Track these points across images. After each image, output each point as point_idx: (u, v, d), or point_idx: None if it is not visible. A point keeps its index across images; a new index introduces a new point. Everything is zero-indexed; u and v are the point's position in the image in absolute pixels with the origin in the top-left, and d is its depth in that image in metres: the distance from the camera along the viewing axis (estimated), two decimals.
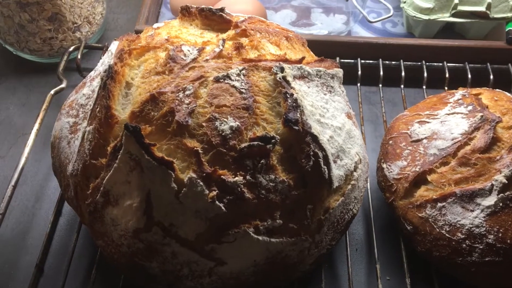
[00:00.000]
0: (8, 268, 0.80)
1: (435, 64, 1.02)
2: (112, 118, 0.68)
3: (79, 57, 1.01)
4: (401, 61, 1.02)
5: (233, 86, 0.68)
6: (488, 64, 1.01)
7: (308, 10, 1.13)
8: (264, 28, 0.79)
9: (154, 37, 0.76)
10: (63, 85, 0.97)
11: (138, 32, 0.99)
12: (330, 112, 0.72)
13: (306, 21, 1.12)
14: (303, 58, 0.74)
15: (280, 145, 0.66)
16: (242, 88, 0.68)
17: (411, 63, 1.02)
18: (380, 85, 1.00)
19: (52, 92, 0.94)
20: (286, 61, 0.72)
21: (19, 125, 1.00)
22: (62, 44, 1.03)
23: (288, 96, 0.67)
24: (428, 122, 0.80)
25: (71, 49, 1.02)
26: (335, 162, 0.69)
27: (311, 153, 0.65)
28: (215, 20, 0.78)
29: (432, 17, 1.03)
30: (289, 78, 0.69)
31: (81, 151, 0.69)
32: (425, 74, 1.00)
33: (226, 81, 0.68)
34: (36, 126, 0.89)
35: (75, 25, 1.02)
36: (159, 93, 0.67)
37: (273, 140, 0.64)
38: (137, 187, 0.64)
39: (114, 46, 0.78)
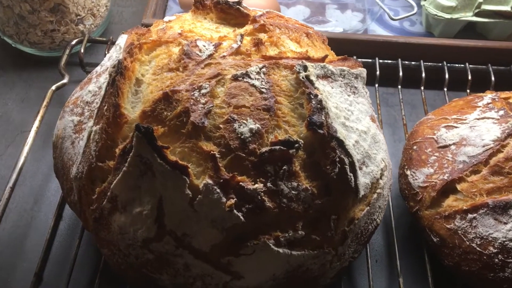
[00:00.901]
0: (5, 276, 0.75)
1: (457, 65, 0.97)
2: (121, 118, 0.62)
3: (82, 51, 0.96)
4: (421, 61, 0.97)
5: (253, 85, 0.63)
6: None
7: (322, 6, 1.08)
8: (283, 23, 0.73)
9: (166, 31, 0.71)
10: (65, 81, 0.92)
11: (145, 26, 0.94)
12: (355, 115, 0.67)
13: (320, 18, 1.07)
14: (326, 56, 0.69)
15: (303, 149, 0.61)
16: (262, 88, 0.63)
17: (431, 63, 0.97)
18: (399, 87, 0.95)
19: (53, 87, 0.89)
20: (308, 59, 0.67)
21: (17, 122, 0.94)
22: (64, 37, 0.98)
23: (312, 97, 0.62)
24: (456, 127, 0.75)
25: (73, 42, 0.97)
26: (360, 169, 0.64)
27: (337, 159, 0.61)
28: (231, 13, 0.73)
29: (454, 16, 0.98)
30: (313, 78, 0.64)
31: (86, 152, 0.64)
32: (447, 76, 0.95)
33: (245, 80, 0.63)
34: (36, 123, 0.84)
35: (78, 17, 0.96)
36: (172, 91, 0.62)
37: (296, 145, 0.59)
38: (147, 193, 0.59)
39: (122, 40, 0.72)
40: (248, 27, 0.71)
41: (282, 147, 0.59)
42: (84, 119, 0.67)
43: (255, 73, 0.63)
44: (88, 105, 0.67)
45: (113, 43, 0.98)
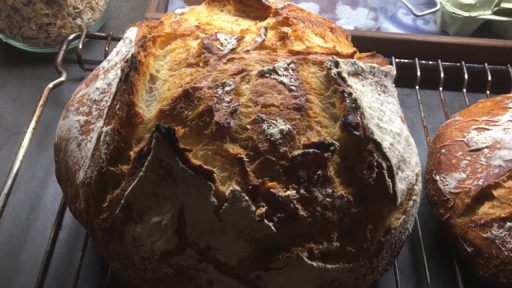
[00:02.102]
0: None
1: (475, 65, 0.93)
2: (135, 117, 0.56)
3: (80, 46, 0.89)
4: (439, 61, 0.92)
5: (281, 82, 0.57)
6: None
7: (332, 2, 1.03)
8: (306, 17, 0.68)
9: (181, 23, 0.65)
10: (62, 78, 0.85)
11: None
12: (387, 116, 0.62)
13: (330, 15, 1.02)
14: (355, 52, 0.64)
15: (337, 153, 0.55)
16: (291, 85, 0.57)
17: (449, 63, 0.93)
18: (417, 87, 0.91)
19: (50, 85, 0.82)
20: (337, 55, 0.62)
21: (10, 123, 0.87)
22: (60, 31, 0.91)
23: (346, 95, 0.57)
24: (488, 129, 0.70)
25: (71, 37, 0.90)
26: (396, 174, 0.59)
27: (374, 163, 0.55)
28: (251, 5, 0.68)
29: (473, 14, 0.94)
30: (344, 75, 0.59)
31: (95, 155, 0.58)
32: (466, 76, 0.91)
33: (272, 76, 0.58)
34: (32, 124, 0.77)
35: (76, 10, 0.90)
36: (193, 89, 0.56)
37: (332, 147, 0.54)
38: (167, 200, 0.53)
39: (131, 33, 0.66)
40: (271, 20, 0.66)
41: (316, 150, 0.53)
42: (91, 119, 0.61)
43: (282, 69, 0.58)
44: (96, 104, 0.61)
45: (113, 39, 0.91)
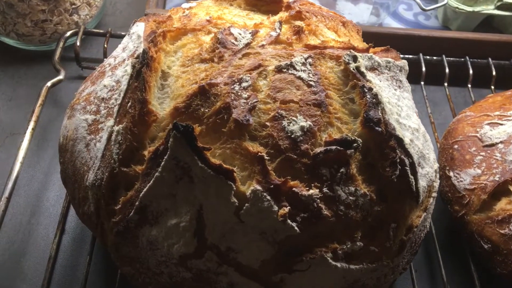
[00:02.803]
0: None
1: (479, 60, 0.92)
2: (149, 115, 0.54)
3: (78, 44, 0.86)
4: (443, 56, 0.91)
5: (299, 78, 0.55)
6: None
7: None
8: (318, 11, 0.67)
9: (190, 17, 0.63)
10: (60, 77, 0.82)
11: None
12: (404, 111, 0.61)
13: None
14: (370, 46, 0.63)
15: (358, 150, 0.54)
16: (310, 80, 0.55)
17: (453, 58, 0.92)
18: (422, 83, 0.90)
19: (49, 84, 0.79)
20: (353, 49, 0.61)
21: (5, 123, 0.84)
22: (56, 28, 0.88)
23: (366, 90, 0.55)
24: (501, 124, 0.70)
25: (68, 34, 0.87)
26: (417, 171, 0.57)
27: (397, 160, 0.54)
28: None
29: (476, 9, 0.94)
30: (363, 69, 0.57)
31: (106, 156, 0.55)
32: (471, 71, 0.90)
33: (290, 71, 0.56)
34: (32, 124, 0.74)
35: (73, 6, 0.87)
36: (210, 85, 0.54)
37: (354, 144, 0.52)
38: (185, 202, 0.51)
39: (138, 28, 0.64)
40: (283, 14, 0.64)
41: (338, 147, 0.52)
42: (100, 117, 0.58)
43: (300, 64, 0.56)
44: (105, 102, 0.59)
45: (112, 35, 0.89)
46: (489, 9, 0.94)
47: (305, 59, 0.57)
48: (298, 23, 0.63)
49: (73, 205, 0.62)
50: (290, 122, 0.52)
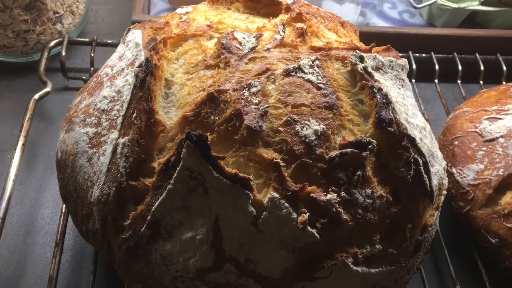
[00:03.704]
0: None
1: (466, 56, 0.93)
2: (156, 126, 0.52)
3: (64, 53, 0.83)
4: (432, 53, 0.92)
5: (308, 81, 0.54)
6: None
7: None
8: (316, 12, 0.66)
9: (190, 23, 0.61)
10: (48, 89, 0.79)
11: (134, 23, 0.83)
12: (410, 110, 0.60)
13: None
14: (373, 46, 0.62)
15: (373, 151, 0.53)
16: (319, 83, 0.54)
17: (442, 55, 0.93)
18: (413, 80, 0.90)
19: (36, 97, 0.76)
20: (357, 50, 0.60)
21: None
22: (39, 38, 0.84)
23: (376, 90, 0.55)
24: (500, 119, 0.70)
25: (52, 44, 0.84)
26: None
27: (411, 159, 0.54)
28: (261, 2, 0.64)
29: (462, 5, 0.95)
30: (370, 70, 0.57)
31: (112, 170, 0.53)
32: (460, 67, 0.91)
33: (298, 75, 0.55)
34: (21, 140, 0.71)
35: (56, 15, 0.83)
36: (218, 92, 0.52)
37: (370, 146, 0.51)
38: (200, 214, 0.49)
39: (134, 36, 0.61)
40: (284, 17, 0.63)
41: (354, 150, 0.51)
42: (102, 130, 0.56)
43: (308, 67, 0.55)
44: (106, 114, 0.56)
45: (98, 44, 0.86)
46: (474, 5, 0.96)
47: (313, 62, 0.56)
48: (299, 25, 0.62)
49: (75, 222, 0.60)
50: (303, 126, 0.51)
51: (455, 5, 0.95)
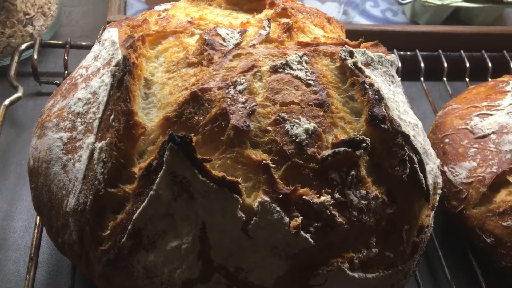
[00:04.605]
0: None
1: (451, 53, 0.92)
2: (136, 128, 0.49)
3: (35, 57, 0.79)
4: (417, 51, 0.90)
5: (297, 77, 0.52)
6: (505, 51, 0.93)
7: None
8: (302, 7, 0.63)
9: (169, 20, 0.58)
10: (19, 94, 0.74)
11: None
12: (402, 107, 0.58)
13: None
14: (361, 41, 0.60)
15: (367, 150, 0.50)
16: (308, 79, 0.52)
17: (427, 53, 0.91)
18: (399, 78, 0.88)
19: (6, 102, 0.72)
20: (346, 45, 0.57)
21: None
22: (9, 41, 0.80)
23: (367, 86, 0.52)
24: (491, 115, 0.68)
25: (23, 47, 0.80)
26: None
27: (406, 157, 0.51)
28: None
29: (445, 2, 0.93)
30: (360, 65, 0.54)
31: (89, 176, 0.49)
32: (445, 65, 0.90)
33: (286, 71, 0.52)
34: None
35: (27, 17, 0.79)
36: (202, 90, 0.49)
37: (363, 144, 0.49)
38: (185, 221, 0.46)
39: (111, 34, 0.58)
40: (268, 12, 0.60)
41: (347, 149, 0.48)
42: (77, 134, 0.52)
43: (296, 63, 0.52)
44: (81, 117, 0.52)
45: (72, 46, 0.82)
46: (458, 1, 0.94)
47: (301, 57, 0.53)
48: (284, 20, 0.59)
49: (50, 234, 0.55)
50: (293, 125, 0.48)
51: (438, 2, 0.93)
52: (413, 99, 0.92)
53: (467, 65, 0.90)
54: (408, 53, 0.91)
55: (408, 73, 0.91)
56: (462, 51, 0.92)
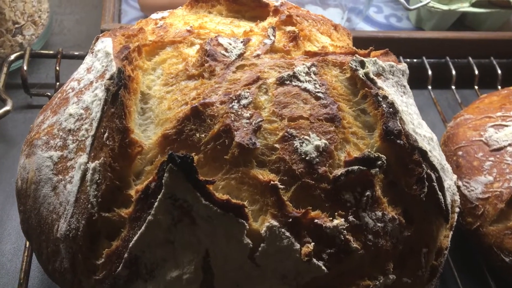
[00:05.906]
0: None
1: (459, 60, 0.89)
2: (132, 147, 0.45)
3: (25, 68, 0.75)
4: (424, 58, 0.87)
5: (305, 90, 0.48)
6: None
7: (300, 3, 0.95)
8: (307, 14, 0.60)
9: (167, 29, 0.54)
10: (7, 107, 0.70)
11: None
12: (416, 119, 0.55)
13: None
14: (371, 50, 0.56)
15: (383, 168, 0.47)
16: (318, 92, 0.48)
17: (434, 60, 0.88)
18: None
19: None
20: (356, 54, 0.54)
21: None
22: None
23: (381, 99, 0.49)
24: (506, 126, 0.65)
25: (12, 57, 0.76)
26: None
27: (424, 175, 0.47)
28: (246, 4, 0.58)
29: (452, 7, 0.90)
30: (372, 76, 0.51)
31: (81, 199, 0.45)
32: (454, 72, 0.86)
33: (294, 83, 0.48)
34: None
35: (16, 26, 0.75)
36: (203, 105, 0.45)
37: (379, 162, 0.45)
38: (186, 248, 0.42)
39: (105, 44, 0.54)
40: (272, 20, 0.56)
41: (361, 167, 0.44)
42: (68, 153, 0.48)
43: (304, 74, 0.49)
44: (73, 134, 0.49)
45: (64, 56, 0.78)
46: (464, 6, 0.91)
47: (309, 68, 0.49)
48: (290, 28, 0.55)
49: (40, 260, 0.51)
50: (303, 142, 0.45)
51: (445, 7, 0.90)
52: (420, 108, 0.87)
53: (476, 72, 0.87)
54: (415, 60, 0.88)
55: (415, 81, 0.86)
56: (470, 58, 0.88)
